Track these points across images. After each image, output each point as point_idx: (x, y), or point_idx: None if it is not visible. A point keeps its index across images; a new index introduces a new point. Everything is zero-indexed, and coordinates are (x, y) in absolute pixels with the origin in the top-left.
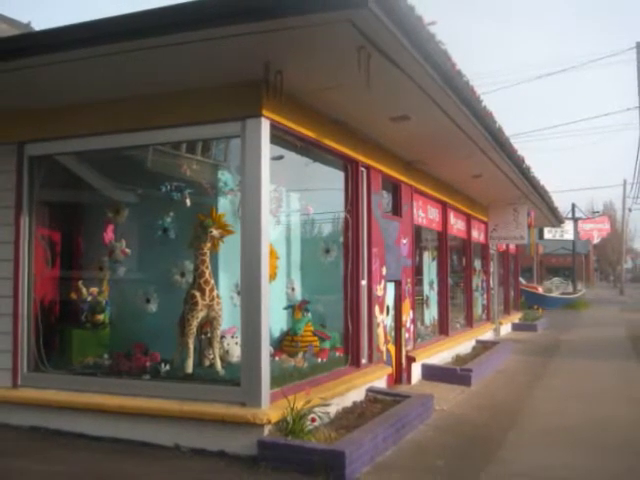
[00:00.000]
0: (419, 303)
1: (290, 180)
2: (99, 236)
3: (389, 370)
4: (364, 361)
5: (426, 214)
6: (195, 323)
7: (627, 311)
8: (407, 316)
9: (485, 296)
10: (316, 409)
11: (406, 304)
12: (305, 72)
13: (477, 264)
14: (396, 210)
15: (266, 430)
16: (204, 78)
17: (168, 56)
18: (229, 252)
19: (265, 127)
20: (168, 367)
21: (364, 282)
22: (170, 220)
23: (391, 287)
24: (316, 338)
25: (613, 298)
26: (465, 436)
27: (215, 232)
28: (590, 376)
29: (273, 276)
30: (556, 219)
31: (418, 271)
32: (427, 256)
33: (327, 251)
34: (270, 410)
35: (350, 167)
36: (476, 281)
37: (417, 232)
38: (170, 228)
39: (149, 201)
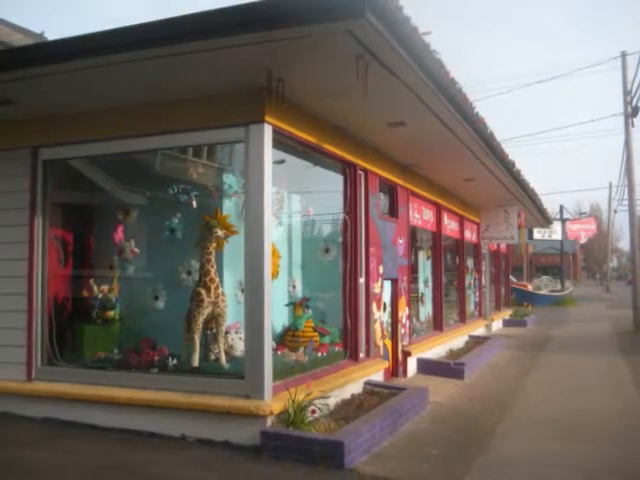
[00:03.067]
0: (414, 300)
1: (291, 183)
2: (109, 236)
3: (386, 364)
4: (362, 355)
5: (421, 215)
6: (201, 319)
7: (612, 308)
8: (403, 312)
9: (477, 293)
10: (316, 401)
11: (402, 301)
12: (306, 80)
13: (470, 263)
14: (393, 211)
15: (269, 421)
16: (210, 86)
17: (177, 65)
18: (233, 251)
19: (268, 132)
20: (175, 361)
21: (362, 280)
22: (177, 221)
23: (388, 285)
24: (316, 333)
25: (599, 295)
26: (459, 427)
27: (220, 232)
28: (577, 370)
29: (275, 274)
30: (545, 220)
31: (414, 269)
32: (422, 255)
33: (327, 250)
34: (272, 402)
35: (349, 170)
36: (469, 279)
37: (412, 232)
38: (177, 229)
39: (157, 203)
